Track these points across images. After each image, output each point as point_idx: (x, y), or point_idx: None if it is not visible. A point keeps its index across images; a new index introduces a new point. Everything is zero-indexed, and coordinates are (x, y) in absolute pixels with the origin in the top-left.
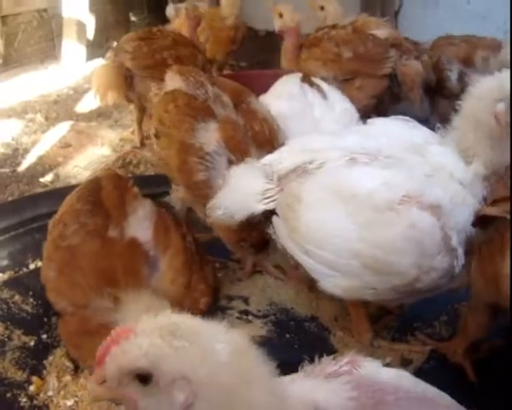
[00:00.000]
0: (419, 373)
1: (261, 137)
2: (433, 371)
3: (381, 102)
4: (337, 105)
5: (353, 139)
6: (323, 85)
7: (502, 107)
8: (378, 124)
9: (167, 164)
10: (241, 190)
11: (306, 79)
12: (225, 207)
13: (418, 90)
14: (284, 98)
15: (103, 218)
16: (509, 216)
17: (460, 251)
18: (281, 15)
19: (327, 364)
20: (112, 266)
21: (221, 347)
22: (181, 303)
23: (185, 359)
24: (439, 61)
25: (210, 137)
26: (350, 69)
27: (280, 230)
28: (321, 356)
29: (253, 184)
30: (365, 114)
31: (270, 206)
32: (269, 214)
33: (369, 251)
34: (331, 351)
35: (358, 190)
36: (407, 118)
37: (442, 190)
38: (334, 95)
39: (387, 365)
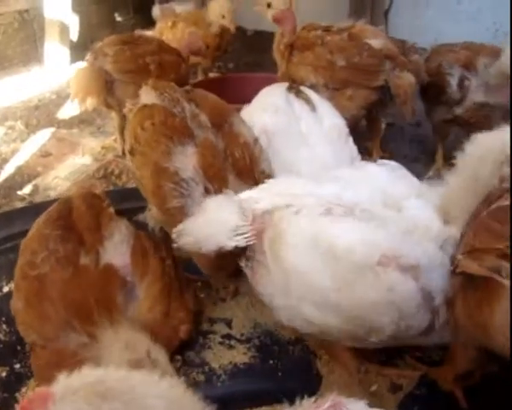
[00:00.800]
0: (409, 400)
1: (241, 165)
2: (424, 397)
3: (370, 113)
4: (326, 119)
5: (332, 188)
6: (312, 95)
7: (508, 170)
8: (361, 170)
9: (142, 185)
10: (213, 223)
11: (294, 88)
12: (194, 236)
13: (411, 102)
14: (269, 112)
15: (75, 243)
16: (496, 276)
17: (441, 309)
18: (269, 5)
19: (308, 407)
20: (84, 296)
21: (156, 403)
22: (160, 332)
23: None
24: (440, 66)
25: (187, 162)
26: (342, 78)
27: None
28: (303, 391)
29: (226, 218)
30: (354, 124)
31: (241, 243)
32: (241, 249)
33: (346, 307)
34: (316, 378)
35: (336, 244)
36: (395, 164)
37: (420, 250)
38: (324, 107)
39: (374, 393)
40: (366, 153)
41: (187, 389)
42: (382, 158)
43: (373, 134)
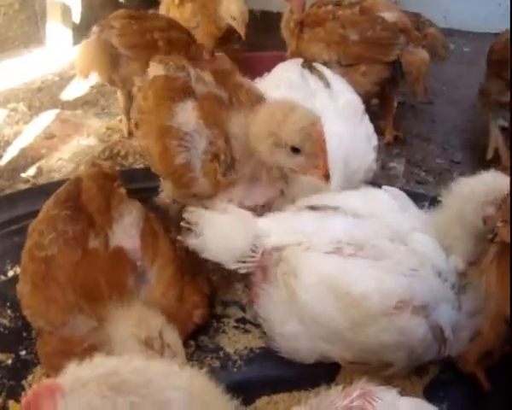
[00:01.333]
0: (435, 384)
1: (247, 106)
2: (450, 381)
3: (382, 91)
4: (341, 96)
5: (341, 225)
6: (326, 72)
7: (491, 211)
8: (366, 198)
9: (149, 155)
10: (221, 240)
11: (308, 64)
12: (201, 241)
13: (423, 81)
14: (282, 87)
15: (84, 225)
16: None
17: (449, 339)
18: None
19: (336, 396)
20: (94, 279)
21: (176, 395)
22: (173, 317)
23: None
24: None
25: (188, 116)
26: (355, 53)
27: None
28: (320, 378)
29: (235, 242)
30: (367, 100)
31: (242, 271)
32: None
33: (360, 347)
34: (335, 364)
35: (352, 289)
36: (397, 191)
37: (428, 287)
38: (339, 83)
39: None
40: (379, 132)
41: (208, 380)
42: (396, 137)
43: (385, 113)
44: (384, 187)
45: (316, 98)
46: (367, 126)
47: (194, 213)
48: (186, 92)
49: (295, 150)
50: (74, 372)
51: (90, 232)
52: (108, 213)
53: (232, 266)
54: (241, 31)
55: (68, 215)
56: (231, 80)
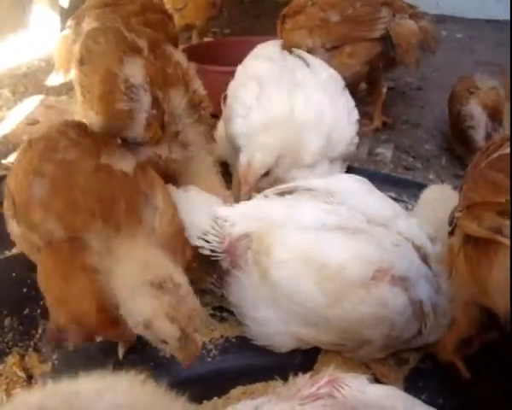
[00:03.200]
0: (415, 374)
1: (174, 79)
2: (429, 371)
3: (374, 69)
4: (321, 71)
5: (312, 212)
6: (305, 55)
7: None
8: (339, 190)
9: (88, 92)
10: (184, 213)
11: (287, 47)
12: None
13: (414, 51)
14: (261, 59)
15: (93, 143)
16: (498, 237)
17: (428, 316)
18: None
19: (303, 384)
20: (112, 192)
21: None
22: (172, 249)
23: None
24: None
25: (137, 71)
26: (339, 34)
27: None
28: (297, 367)
29: (199, 219)
30: (357, 81)
31: (205, 251)
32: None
33: (337, 323)
34: (313, 353)
35: (329, 261)
36: (360, 178)
37: (408, 260)
38: (318, 62)
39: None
40: (367, 117)
41: (148, 384)
42: (384, 123)
43: (374, 98)
44: (348, 174)
45: (295, 72)
46: (348, 100)
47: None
48: (136, 50)
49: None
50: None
51: (100, 151)
52: (108, 145)
53: (196, 242)
54: None
55: (76, 132)
56: (162, 50)
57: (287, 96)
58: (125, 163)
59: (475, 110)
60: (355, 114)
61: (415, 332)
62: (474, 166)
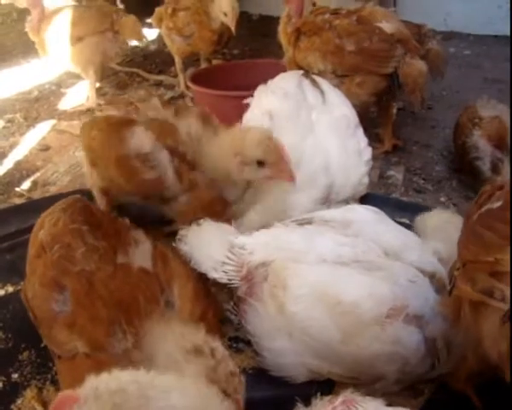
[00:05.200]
0: (430, 404)
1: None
2: (444, 401)
3: (380, 100)
4: (335, 108)
5: (329, 243)
6: (324, 85)
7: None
8: (355, 221)
9: (118, 186)
10: (200, 246)
11: (308, 75)
12: (189, 248)
13: (420, 92)
14: (277, 94)
15: (108, 242)
16: (490, 301)
17: (444, 352)
18: None
19: (321, 406)
20: (131, 295)
21: None
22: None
23: None
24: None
25: (142, 138)
26: (351, 64)
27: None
28: (317, 393)
29: (215, 249)
30: (364, 110)
31: (223, 281)
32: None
33: (351, 358)
34: (328, 387)
35: (344, 297)
36: (376, 209)
37: (424, 298)
38: (335, 96)
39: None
40: (377, 140)
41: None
42: (395, 145)
43: (384, 121)
44: (361, 206)
45: (312, 110)
46: (359, 140)
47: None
48: (130, 122)
49: (260, 164)
50: (93, 384)
51: (116, 249)
52: (122, 237)
53: (213, 275)
54: (232, 26)
55: (90, 231)
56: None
57: (300, 139)
58: (143, 256)
59: (479, 142)
60: (367, 154)
61: (427, 368)
62: (467, 218)
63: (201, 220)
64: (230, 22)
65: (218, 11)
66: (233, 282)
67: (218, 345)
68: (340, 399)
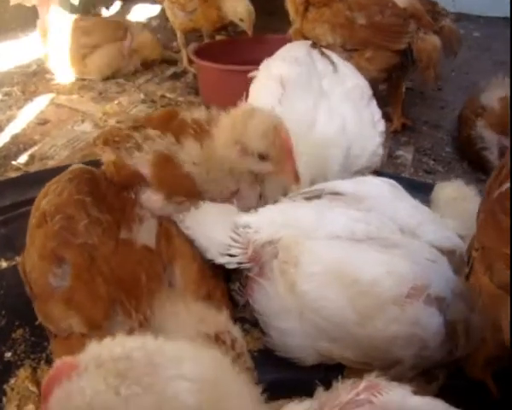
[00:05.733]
0: (445, 391)
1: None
2: (460, 387)
3: (390, 78)
4: (348, 79)
5: (341, 219)
6: (334, 57)
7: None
8: (368, 194)
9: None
10: (207, 229)
11: (316, 46)
12: (192, 231)
13: (435, 68)
14: (287, 61)
15: (112, 216)
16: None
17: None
18: None
19: (343, 390)
20: (134, 272)
21: (186, 386)
22: None
23: None
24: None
25: (152, 200)
26: (361, 38)
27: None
28: (322, 382)
29: (220, 233)
30: (373, 87)
31: (231, 265)
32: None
33: (366, 341)
34: (337, 371)
35: (361, 276)
36: (392, 181)
37: (445, 279)
38: (346, 68)
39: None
40: (386, 119)
41: (234, 370)
42: (404, 125)
43: (393, 99)
44: (377, 178)
45: (322, 79)
46: (373, 111)
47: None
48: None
49: (263, 157)
50: (95, 350)
51: (119, 224)
52: (127, 213)
53: (221, 260)
54: (249, 30)
55: (95, 203)
56: (175, 121)
57: (313, 106)
58: (147, 233)
59: (484, 132)
60: (381, 125)
61: (445, 353)
62: (487, 194)
63: (200, 202)
64: (247, 28)
65: (232, 14)
66: (242, 265)
67: (239, 337)
68: (363, 384)
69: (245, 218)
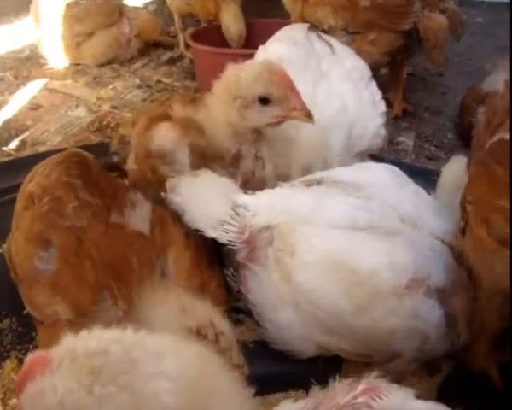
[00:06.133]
0: (449, 382)
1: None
2: (464, 379)
3: (393, 61)
4: (347, 61)
5: (342, 206)
6: (331, 40)
7: None
8: (368, 181)
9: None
10: (201, 201)
11: (314, 29)
12: (182, 200)
13: (442, 47)
14: (285, 42)
15: (103, 200)
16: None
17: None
18: None
19: (339, 391)
20: (124, 256)
21: (166, 386)
22: None
23: None
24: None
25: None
26: (364, 20)
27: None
28: (320, 376)
29: (216, 208)
30: (376, 69)
31: (223, 241)
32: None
33: (364, 333)
34: (336, 364)
35: (359, 266)
36: (394, 168)
37: (445, 270)
38: (345, 51)
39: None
40: (387, 104)
41: (221, 368)
42: (405, 110)
43: (395, 84)
44: (378, 164)
45: (321, 60)
46: (373, 92)
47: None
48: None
49: (264, 101)
50: (69, 344)
51: (110, 209)
52: (119, 197)
53: (211, 234)
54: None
55: (85, 187)
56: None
57: (312, 87)
58: (140, 218)
59: None
60: (381, 106)
61: (447, 346)
62: (477, 146)
63: (198, 171)
64: (233, 45)
65: (224, 30)
66: (233, 244)
67: (226, 331)
68: (362, 385)
69: (244, 198)
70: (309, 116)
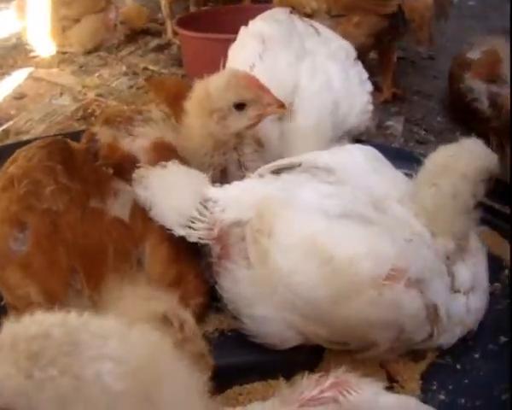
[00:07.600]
0: (433, 369)
1: None
2: (449, 366)
3: (381, 43)
4: (332, 42)
5: (313, 196)
6: (316, 24)
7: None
8: (340, 165)
9: None
10: (166, 194)
11: (296, 12)
12: (149, 195)
13: (428, 27)
14: (267, 20)
15: (84, 187)
16: None
17: (444, 321)
18: None
19: (306, 387)
20: (100, 243)
21: (109, 368)
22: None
23: (52, 395)
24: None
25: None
26: (346, 2)
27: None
28: (301, 365)
29: (183, 202)
30: (363, 52)
31: (192, 239)
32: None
33: (340, 321)
34: (318, 353)
35: (339, 253)
36: (370, 148)
37: (423, 259)
38: (329, 32)
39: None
40: (376, 89)
41: (174, 355)
42: (394, 94)
43: (384, 68)
44: (357, 145)
45: (305, 40)
46: (360, 71)
47: (146, 168)
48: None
49: (240, 107)
50: (11, 329)
51: (90, 194)
52: (100, 187)
53: (180, 232)
54: None
55: (66, 172)
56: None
57: (295, 62)
58: (121, 206)
59: (472, 83)
60: (368, 86)
61: (425, 336)
62: None
63: (168, 162)
64: None
65: None
66: (204, 241)
67: (189, 320)
68: (330, 380)
69: (212, 191)
70: (283, 107)
